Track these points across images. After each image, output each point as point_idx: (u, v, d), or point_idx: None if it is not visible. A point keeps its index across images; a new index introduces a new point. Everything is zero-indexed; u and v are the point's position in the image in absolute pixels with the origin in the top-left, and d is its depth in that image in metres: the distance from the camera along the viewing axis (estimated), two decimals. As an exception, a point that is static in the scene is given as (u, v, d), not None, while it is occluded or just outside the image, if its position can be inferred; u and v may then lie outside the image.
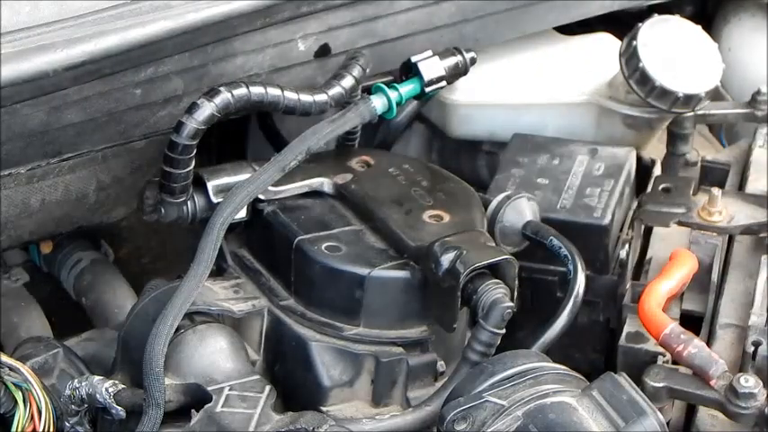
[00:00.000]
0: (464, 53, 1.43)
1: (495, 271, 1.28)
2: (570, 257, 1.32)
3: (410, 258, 1.30)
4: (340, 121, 1.35)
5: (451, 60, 1.42)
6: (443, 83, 1.43)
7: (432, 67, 1.41)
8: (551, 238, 1.34)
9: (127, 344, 1.29)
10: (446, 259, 1.26)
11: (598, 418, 1.09)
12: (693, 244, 1.51)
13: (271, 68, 1.38)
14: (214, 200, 1.34)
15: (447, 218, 1.33)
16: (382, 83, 1.39)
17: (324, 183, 1.39)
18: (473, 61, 1.45)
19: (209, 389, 1.22)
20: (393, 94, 1.38)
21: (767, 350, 1.33)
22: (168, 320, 1.23)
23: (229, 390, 1.22)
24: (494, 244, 1.33)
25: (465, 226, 1.33)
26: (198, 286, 1.26)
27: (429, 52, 1.41)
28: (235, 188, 1.31)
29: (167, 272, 1.70)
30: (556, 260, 1.35)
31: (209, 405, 1.21)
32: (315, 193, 1.39)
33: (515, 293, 1.29)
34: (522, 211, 1.40)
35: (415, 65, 1.41)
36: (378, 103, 1.37)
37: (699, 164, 1.72)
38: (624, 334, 1.41)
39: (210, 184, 1.34)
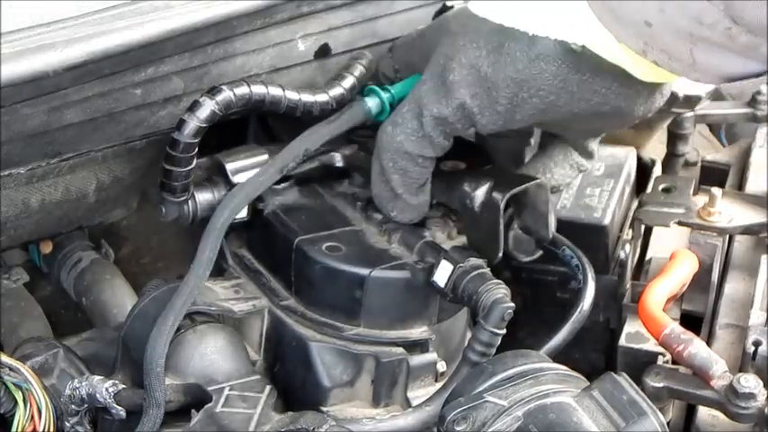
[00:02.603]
0: None
1: (525, 197, 1.28)
2: (581, 268, 1.32)
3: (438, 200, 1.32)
4: (336, 122, 1.36)
5: None
6: None
7: None
8: (564, 247, 1.33)
9: (127, 344, 1.29)
10: (480, 193, 1.28)
11: (598, 417, 1.09)
12: (693, 244, 1.51)
13: (271, 68, 1.38)
14: (234, 180, 1.35)
15: (463, 165, 1.33)
16: (375, 85, 1.38)
17: (334, 156, 1.40)
18: None
19: (209, 389, 1.22)
20: (386, 95, 1.37)
21: (767, 350, 1.33)
22: (169, 320, 1.23)
23: (229, 390, 1.22)
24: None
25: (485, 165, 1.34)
26: (198, 286, 1.26)
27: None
28: (234, 189, 1.32)
29: (167, 272, 1.70)
30: (556, 260, 1.35)
31: (210, 405, 1.21)
32: (315, 193, 1.39)
33: (549, 222, 1.31)
34: None
35: None
36: (372, 104, 1.37)
37: (699, 164, 1.72)
38: (624, 334, 1.41)
39: (229, 166, 1.35)
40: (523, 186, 1.29)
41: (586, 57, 1.21)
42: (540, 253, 1.37)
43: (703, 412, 1.34)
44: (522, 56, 1.22)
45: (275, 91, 1.32)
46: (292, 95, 1.33)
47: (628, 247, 1.55)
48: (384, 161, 1.32)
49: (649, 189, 1.58)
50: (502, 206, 1.26)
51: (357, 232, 1.35)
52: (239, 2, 1.30)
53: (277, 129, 1.61)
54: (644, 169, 1.65)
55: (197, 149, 1.30)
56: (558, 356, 1.24)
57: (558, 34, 1.21)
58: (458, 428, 1.11)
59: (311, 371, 1.28)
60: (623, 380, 1.12)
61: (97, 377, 1.25)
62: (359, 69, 1.39)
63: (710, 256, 1.51)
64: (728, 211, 1.52)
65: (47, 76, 1.19)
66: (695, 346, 1.31)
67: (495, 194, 1.27)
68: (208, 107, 1.28)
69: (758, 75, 1.09)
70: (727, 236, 1.54)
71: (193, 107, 1.28)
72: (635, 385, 1.12)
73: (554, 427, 1.09)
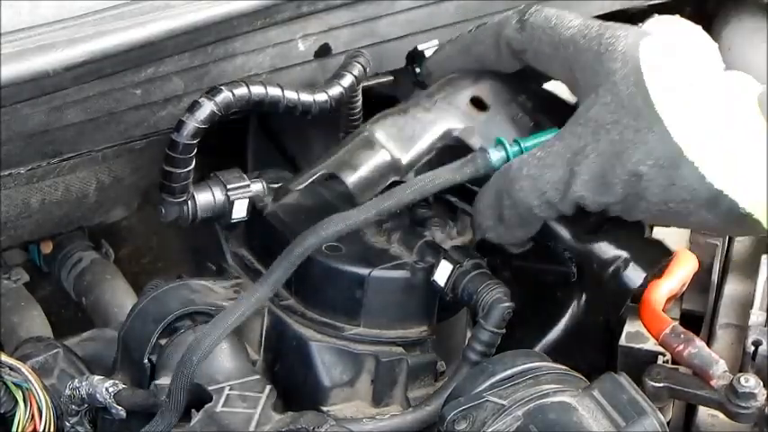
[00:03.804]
0: None
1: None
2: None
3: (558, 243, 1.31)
4: (456, 173, 1.29)
5: None
6: None
7: None
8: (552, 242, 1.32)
9: (127, 344, 1.29)
10: (613, 267, 1.29)
11: (598, 417, 1.09)
12: (693, 244, 1.51)
13: (271, 68, 1.38)
14: (356, 196, 1.30)
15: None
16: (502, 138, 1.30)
17: (452, 132, 1.35)
18: None
19: (209, 389, 1.22)
20: (513, 149, 1.30)
21: (767, 350, 1.33)
22: (216, 334, 1.20)
23: (230, 389, 1.22)
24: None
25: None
26: (261, 302, 1.24)
27: (435, 41, 1.39)
28: (327, 219, 1.26)
29: (167, 272, 1.71)
30: (556, 260, 1.35)
31: (210, 405, 1.21)
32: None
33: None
34: None
35: (421, 54, 1.39)
36: (496, 157, 1.29)
37: (699, 164, 1.72)
38: (624, 334, 1.41)
39: (350, 181, 1.30)
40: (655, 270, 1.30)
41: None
42: (530, 245, 1.34)
43: (703, 412, 1.34)
44: (689, 195, 1.15)
45: (274, 91, 1.32)
46: (291, 95, 1.33)
47: (628, 247, 1.55)
48: (504, 194, 1.25)
49: (649, 189, 1.57)
50: (636, 290, 1.28)
51: (357, 232, 1.35)
52: (239, 2, 1.30)
53: (278, 129, 1.62)
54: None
55: (196, 150, 1.30)
56: (558, 356, 1.24)
57: (737, 196, 1.15)
58: (458, 428, 1.12)
59: (311, 371, 1.28)
60: (623, 379, 1.12)
61: (97, 377, 1.25)
62: (357, 68, 1.39)
63: (710, 256, 1.51)
64: (728, 212, 1.51)
65: (47, 76, 1.19)
66: (695, 346, 1.30)
67: (627, 279, 1.29)
68: (207, 108, 1.28)
69: None
70: (728, 236, 1.54)
71: (192, 108, 1.28)
72: (635, 385, 1.12)
73: (554, 427, 1.09)
